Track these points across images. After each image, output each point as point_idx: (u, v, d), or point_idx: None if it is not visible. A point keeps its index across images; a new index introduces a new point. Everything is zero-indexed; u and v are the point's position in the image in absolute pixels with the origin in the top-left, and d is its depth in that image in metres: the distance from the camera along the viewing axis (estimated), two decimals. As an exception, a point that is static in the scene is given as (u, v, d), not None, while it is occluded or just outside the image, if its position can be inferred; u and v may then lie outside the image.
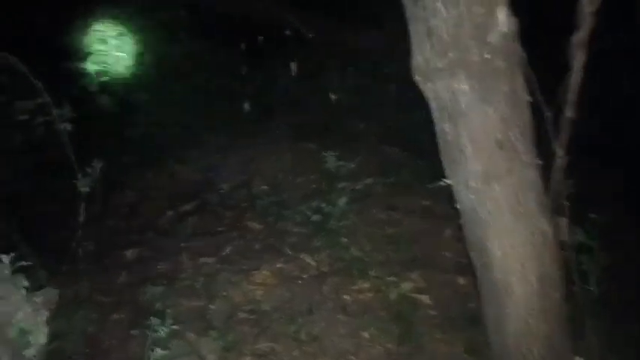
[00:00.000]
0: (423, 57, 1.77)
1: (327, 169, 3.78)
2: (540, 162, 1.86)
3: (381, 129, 4.81)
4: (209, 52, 5.18)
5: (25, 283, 1.87)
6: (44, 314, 1.87)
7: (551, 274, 1.89)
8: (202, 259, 3.38)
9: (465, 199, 1.87)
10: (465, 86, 1.76)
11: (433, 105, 1.84)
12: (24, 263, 1.91)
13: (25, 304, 1.79)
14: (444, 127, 1.83)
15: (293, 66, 4.88)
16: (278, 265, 3.30)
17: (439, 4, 1.70)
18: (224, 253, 3.43)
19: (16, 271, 1.87)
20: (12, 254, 1.87)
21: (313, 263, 3.33)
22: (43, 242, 3.07)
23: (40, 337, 1.81)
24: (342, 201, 3.58)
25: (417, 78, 1.82)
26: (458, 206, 1.91)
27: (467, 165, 1.81)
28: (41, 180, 3.44)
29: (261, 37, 5.13)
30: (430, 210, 3.82)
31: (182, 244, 3.55)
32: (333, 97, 5.01)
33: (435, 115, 1.85)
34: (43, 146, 3.48)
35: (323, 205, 3.61)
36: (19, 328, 1.69)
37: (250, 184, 4.10)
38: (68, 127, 3.59)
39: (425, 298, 3.09)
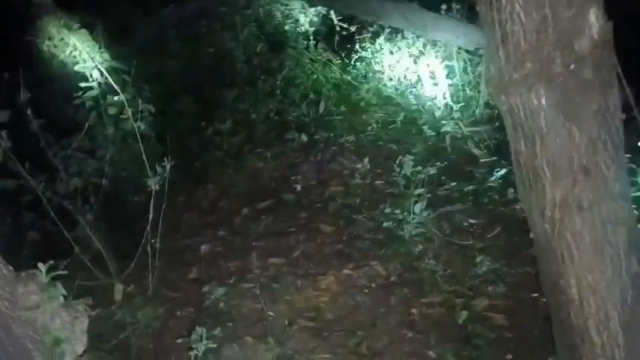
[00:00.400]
0: (496, 67, 1.57)
1: (404, 173, 3.60)
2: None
3: (471, 131, 4.54)
4: (300, 49, 5.11)
5: (63, 292, 1.90)
6: (84, 322, 1.89)
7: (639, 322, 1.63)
8: (271, 260, 3.35)
9: (539, 229, 1.65)
10: (545, 101, 1.54)
11: (507, 121, 1.64)
12: (60, 272, 1.94)
13: (63, 312, 1.81)
14: (519, 146, 1.62)
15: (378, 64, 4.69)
16: (345, 272, 3.19)
17: (517, 6, 1.49)
18: (293, 255, 3.38)
19: (53, 279, 1.90)
20: (49, 262, 1.90)
21: (383, 272, 3.19)
22: (116, 235, 3.15)
23: (78, 346, 1.82)
24: (418, 208, 3.39)
25: (490, 90, 1.62)
26: (531, 235, 1.70)
27: (544, 191, 1.59)
28: (120, 174, 3.54)
29: (352, 32, 5.00)
30: (516, 221, 3.55)
31: (254, 243, 3.54)
32: (421, 96, 4.79)
33: (510, 132, 1.64)
34: (126, 141, 3.58)
35: (397, 211, 3.45)
36: (55, 337, 1.71)
37: (326, 185, 4.01)
38: (150, 122, 3.67)
39: (501, 318, 2.87)
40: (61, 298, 1.85)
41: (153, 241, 2.92)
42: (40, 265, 1.88)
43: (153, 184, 2.85)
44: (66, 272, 2.02)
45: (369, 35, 5.07)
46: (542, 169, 1.58)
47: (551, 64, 1.52)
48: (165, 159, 3.04)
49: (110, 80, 3.46)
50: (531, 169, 1.61)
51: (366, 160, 4.06)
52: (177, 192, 3.89)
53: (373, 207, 3.65)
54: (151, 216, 2.89)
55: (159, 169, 2.84)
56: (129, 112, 3.29)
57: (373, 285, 3.08)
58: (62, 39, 3.59)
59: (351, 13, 5.27)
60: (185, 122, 4.74)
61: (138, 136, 3.21)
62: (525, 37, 1.51)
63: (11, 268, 1.55)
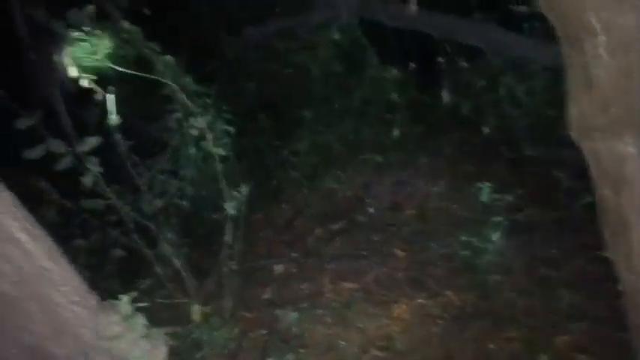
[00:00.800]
0: (579, 110, 1.51)
1: (481, 199, 3.51)
2: None
3: (553, 154, 4.35)
4: (376, 69, 5.12)
5: (143, 321, 1.98)
6: (163, 351, 1.96)
7: None
8: (343, 284, 3.36)
9: (626, 278, 1.56)
10: (631, 149, 1.46)
11: (592, 166, 1.56)
12: (141, 304, 2.02)
13: (143, 341, 1.88)
14: (603, 192, 1.55)
15: (445, 92, 4.62)
16: (419, 300, 3.15)
17: (601, 50, 1.42)
18: (365, 280, 3.37)
19: (135, 310, 1.99)
20: (133, 294, 1.99)
21: (458, 302, 3.12)
22: (195, 255, 3.26)
23: None
24: (496, 236, 3.30)
25: (573, 134, 1.56)
26: (619, 287, 1.61)
27: (630, 241, 1.51)
28: (200, 194, 3.65)
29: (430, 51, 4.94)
30: (602, 252, 3.37)
31: (326, 265, 3.56)
32: (501, 116, 4.65)
33: (594, 177, 1.57)
34: (206, 161, 3.69)
35: (473, 238, 3.36)
36: (133, 368, 1.80)
37: (400, 208, 3.98)
38: (229, 143, 3.79)
39: (583, 359, 2.73)
40: (142, 328, 1.93)
41: (230, 262, 3.01)
42: (123, 296, 1.98)
43: (230, 209, 2.93)
44: (148, 304, 2.12)
45: (448, 54, 5.00)
46: (628, 218, 1.50)
47: (638, 111, 1.43)
48: (242, 180, 3.13)
49: (190, 104, 3.60)
50: (617, 217, 1.53)
51: (442, 183, 4.00)
52: (253, 210, 3.98)
53: (448, 233, 3.58)
54: (227, 237, 2.98)
55: (236, 193, 2.92)
56: (210, 135, 3.40)
57: (447, 316, 3.02)
58: (149, 63, 3.76)
59: (429, 32, 5.21)
60: (262, 141, 4.85)
61: (217, 157, 3.31)
62: (610, 81, 1.44)
63: (96, 297, 1.64)
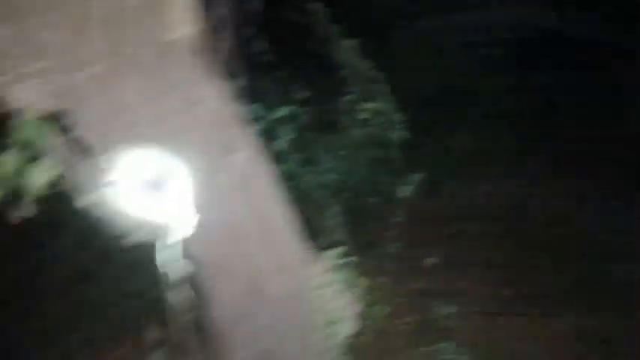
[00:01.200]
0: None
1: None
2: None
3: None
4: (546, 73, 4.90)
5: (343, 277, 2.10)
6: (357, 307, 2.06)
7: None
8: (495, 289, 3.32)
9: None
10: None
11: None
12: (345, 260, 2.13)
13: (340, 296, 1.99)
14: None
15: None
16: (574, 319, 3.04)
17: None
18: (518, 289, 3.31)
19: (339, 265, 2.11)
20: (340, 249, 2.10)
21: (614, 329, 2.97)
22: (360, 236, 3.37)
23: (345, 329, 1.99)
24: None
25: None
26: None
27: None
28: (370, 177, 3.74)
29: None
30: None
31: (477, 266, 3.52)
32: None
33: None
34: (378, 145, 3.78)
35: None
36: (331, 317, 1.90)
37: (563, 224, 3.80)
38: (396, 130, 3.87)
39: None
40: (342, 283, 2.06)
41: (390, 244, 3.08)
42: (330, 252, 2.12)
43: (401, 193, 3.00)
44: (352, 258, 2.23)
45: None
46: None
47: None
48: (409, 168, 3.19)
49: (367, 89, 3.72)
50: None
51: (618, 202, 3.77)
52: (412, 200, 4.02)
53: (614, 257, 3.39)
54: (394, 220, 3.06)
55: (407, 179, 2.99)
56: (382, 120, 3.49)
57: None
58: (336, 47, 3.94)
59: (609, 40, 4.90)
60: (424, 133, 4.85)
61: (389, 143, 3.39)
62: None
63: (309, 249, 1.77)
